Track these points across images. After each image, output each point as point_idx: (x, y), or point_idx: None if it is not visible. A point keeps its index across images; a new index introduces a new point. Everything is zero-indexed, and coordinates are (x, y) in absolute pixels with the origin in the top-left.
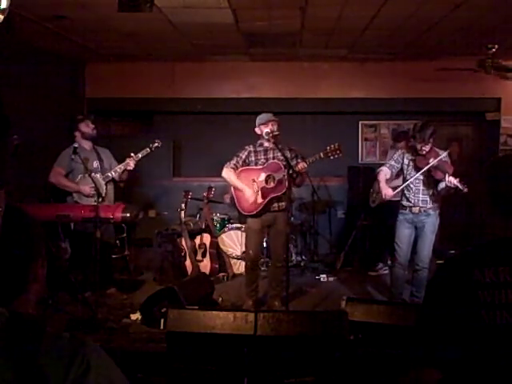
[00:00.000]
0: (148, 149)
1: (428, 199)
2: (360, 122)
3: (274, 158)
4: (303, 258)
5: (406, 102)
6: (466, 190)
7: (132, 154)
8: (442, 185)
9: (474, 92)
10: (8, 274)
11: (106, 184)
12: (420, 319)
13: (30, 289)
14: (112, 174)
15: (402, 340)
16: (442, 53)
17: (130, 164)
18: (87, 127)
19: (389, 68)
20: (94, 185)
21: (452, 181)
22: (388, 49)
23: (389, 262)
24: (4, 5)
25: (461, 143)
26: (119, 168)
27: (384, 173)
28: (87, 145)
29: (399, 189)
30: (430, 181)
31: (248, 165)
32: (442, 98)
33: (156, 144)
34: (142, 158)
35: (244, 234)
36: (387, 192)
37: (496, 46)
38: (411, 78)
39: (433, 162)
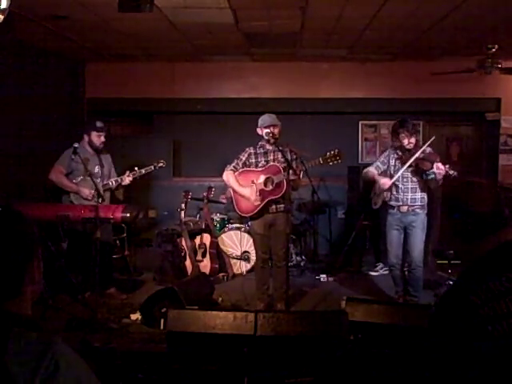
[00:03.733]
0: (152, 167)
1: (416, 197)
2: (360, 122)
3: (274, 160)
4: (303, 258)
5: (406, 102)
6: (455, 174)
7: (136, 169)
8: (431, 175)
9: (474, 92)
10: (4, 277)
11: (104, 191)
12: (436, 361)
13: (26, 291)
14: (112, 183)
15: (401, 340)
16: (442, 53)
17: (126, 180)
18: (98, 139)
19: (389, 68)
20: (94, 188)
21: (440, 167)
22: (388, 49)
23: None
24: (4, 5)
25: (461, 143)
26: (115, 180)
27: (372, 173)
28: (90, 149)
29: (393, 180)
30: (418, 177)
31: (248, 167)
32: (442, 98)
33: (161, 164)
34: (144, 173)
35: (244, 235)
36: (385, 181)
37: (496, 46)
38: (411, 78)
39: (418, 153)
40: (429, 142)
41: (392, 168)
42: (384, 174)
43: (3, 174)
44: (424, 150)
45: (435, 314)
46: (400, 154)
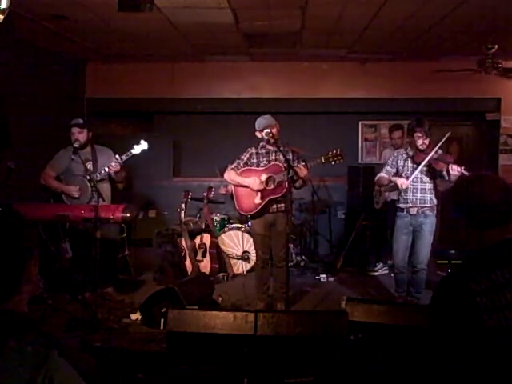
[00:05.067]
0: (132, 151)
1: (426, 198)
2: (360, 122)
3: (275, 160)
4: (303, 258)
5: (406, 102)
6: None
7: (117, 156)
8: (443, 176)
9: (474, 92)
10: (2, 276)
11: (94, 184)
12: (432, 344)
13: (23, 290)
14: (97, 176)
15: (401, 340)
16: (442, 53)
17: (111, 168)
18: (71, 136)
19: (389, 68)
20: (78, 187)
21: (455, 168)
22: (388, 49)
23: (389, 262)
24: (4, 5)
25: (461, 143)
26: (103, 170)
27: (384, 177)
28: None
29: (411, 179)
30: (429, 177)
31: (250, 166)
32: (441, 97)
33: (142, 146)
34: (126, 159)
35: (244, 235)
36: (403, 182)
37: (496, 46)
38: (411, 78)
39: (432, 153)
40: (438, 147)
41: (401, 169)
42: (395, 176)
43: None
44: (437, 150)
45: (435, 296)
46: (411, 153)
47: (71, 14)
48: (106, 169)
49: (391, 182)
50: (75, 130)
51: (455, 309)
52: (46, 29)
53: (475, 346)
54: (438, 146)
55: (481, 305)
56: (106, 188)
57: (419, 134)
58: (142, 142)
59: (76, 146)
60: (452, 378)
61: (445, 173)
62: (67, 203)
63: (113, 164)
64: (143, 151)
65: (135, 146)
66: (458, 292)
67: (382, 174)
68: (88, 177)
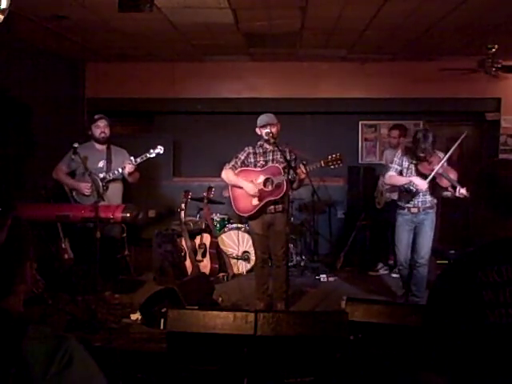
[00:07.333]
0: (148, 154)
1: (427, 199)
2: (360, 122)
3: (273, 161)
4: (303, 258)
5: (406, 102)
6: (468, 195)
7: (132, 158)
8: (447, 193)
9: (474, 92)
10: None
11: (105, 184)
12: (426, 325)
13: (18, 290)
14: (110, 176)
15: (401, 340)
16: (442, 53)
17: (126, 169)
18: (96, 129)
19: (389, 68)
20: (90, 184)
21: (464, 193)
22: (388, 49)
23: (390, 262)
24: (4, 5)
25: (461, 143)
26: (117, 171)
27: (397, 177)
28: (98, 145)
29: (429, 178)
30: (433, 185)
31: (247, 166)
32: (441, 97)
33: (158, 150)
34: (140, 162)
35: (244, 235)
36: (422, 184)
37: (496, 46)
38: (411, 78)
39: (437, 168)
40: (444, 160)
41: (405, 170)
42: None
43: (3, 174)
44: (443, 164)
45: (438, 280)
46: (415, 161)
47: (71, 14)
48: (120, 169)
49: (409, 181)
50: (102, 122)
51: (458, 297)
52: (45, 29)
53: (471, 340)
54: (440, 165)
55: (485, 298)
56: (117, 188)
57: (420, 151)
58: (159, 146)
59: (102, 138)
60: (443, 363)
61: (450, 189)
62: (78, 200)
63: (127, 165)
64: (144, 152)
65: (151, 150)
66: (465, 280)
67: (392, 173)
68: (103, 173)
